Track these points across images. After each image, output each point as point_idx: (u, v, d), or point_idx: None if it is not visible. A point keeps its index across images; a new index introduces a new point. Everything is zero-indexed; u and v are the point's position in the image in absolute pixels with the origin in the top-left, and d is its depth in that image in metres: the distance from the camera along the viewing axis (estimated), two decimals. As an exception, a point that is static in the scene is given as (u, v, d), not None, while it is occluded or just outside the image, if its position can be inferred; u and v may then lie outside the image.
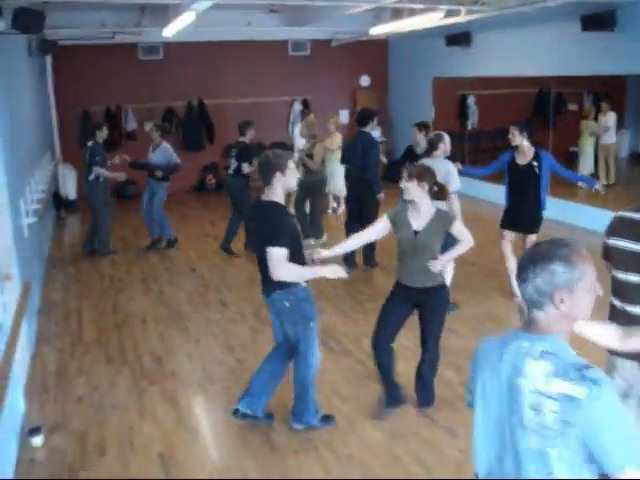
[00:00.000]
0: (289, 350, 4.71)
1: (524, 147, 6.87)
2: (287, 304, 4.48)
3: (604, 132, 12.53)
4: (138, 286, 8.27)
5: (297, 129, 10.87)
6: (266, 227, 4.32)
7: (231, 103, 14.40)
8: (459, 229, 4.79)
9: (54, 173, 11.46)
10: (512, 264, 6.96)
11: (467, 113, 14.86)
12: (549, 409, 2.04)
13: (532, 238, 6.90)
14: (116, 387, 5.57)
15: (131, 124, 14.01)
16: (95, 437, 4.77)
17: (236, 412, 4.79)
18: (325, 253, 4.59)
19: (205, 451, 4.65)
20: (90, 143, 9.37)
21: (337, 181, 10.43)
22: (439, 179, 6.43)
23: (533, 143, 6.93)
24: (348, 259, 8.12)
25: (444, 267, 4.84)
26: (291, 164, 4.41)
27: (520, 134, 6.83)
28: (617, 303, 3.37)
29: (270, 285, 4.45)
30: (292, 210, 10.37)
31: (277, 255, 4.21)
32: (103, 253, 9.58)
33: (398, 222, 4.76)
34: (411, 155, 8.05)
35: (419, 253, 4.68)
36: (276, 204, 4.39)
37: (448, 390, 5.24)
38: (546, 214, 7.02)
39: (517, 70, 11.58)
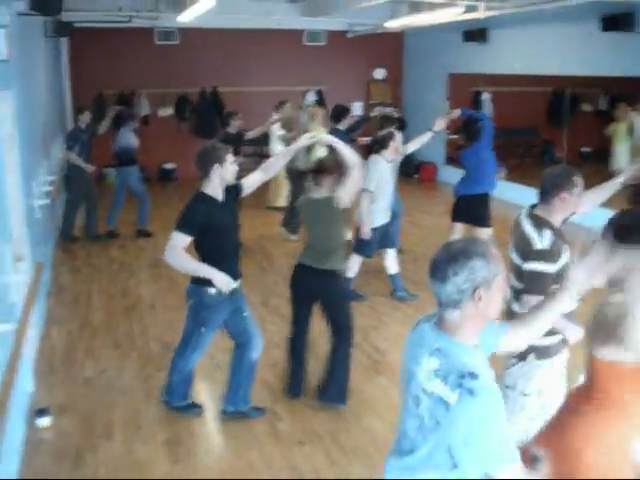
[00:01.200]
0: (240, 339, 4.76)
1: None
2: (190, 301, 4.58)
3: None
4: (147, 271, 8.28)
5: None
6: (182, 211, 4.35)
7: (245, 91, 14.37)
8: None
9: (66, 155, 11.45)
10: None
11: (481, 109, 14.80)
12: (425, 405, 2.14)
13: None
14: (124, 371, 5.60)
15: (144, 109, 14.00)
16: (102, 420, 4.80)
17: (224, 412, 4.84)
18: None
19: (211, 438, 4.68)
20: (71, 128, 9.26)
21: None
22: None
23: (545, 143, 6.93)
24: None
25: None
26: (230, 157, 4.39)
27: None
28: None
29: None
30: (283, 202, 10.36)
31: (174, 239, 4.23)
32: (90, 237, 9.56)
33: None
34: None
35: None
36: (199, 192, 4.39)
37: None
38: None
39: (533, 68, 11.51)
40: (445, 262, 2.12)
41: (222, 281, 4.33)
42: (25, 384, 4.99)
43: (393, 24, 11.55)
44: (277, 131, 10.59)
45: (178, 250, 4.23)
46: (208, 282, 4.36)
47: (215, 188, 4.39)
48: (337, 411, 4.91)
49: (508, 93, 14.11)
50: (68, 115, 13.25)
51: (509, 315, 3.53)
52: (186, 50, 13.89)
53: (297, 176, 8.87)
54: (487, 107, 14.77)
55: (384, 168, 6.83)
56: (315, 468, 4.24)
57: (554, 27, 10.72)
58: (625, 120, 12.34)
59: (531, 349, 3.33)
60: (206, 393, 5.32)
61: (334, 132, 8.31)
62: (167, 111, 14.17)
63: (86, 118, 9.39)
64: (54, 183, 7.63)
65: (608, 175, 14.11)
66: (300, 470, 4.21)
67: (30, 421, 4.74)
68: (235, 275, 4.49)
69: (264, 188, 10.13)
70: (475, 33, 12.48)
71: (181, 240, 4.24)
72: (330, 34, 14.83)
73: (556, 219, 3.49)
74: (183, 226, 4.24)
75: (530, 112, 14.11)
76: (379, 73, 15.58)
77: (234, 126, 9.10)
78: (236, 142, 8.92)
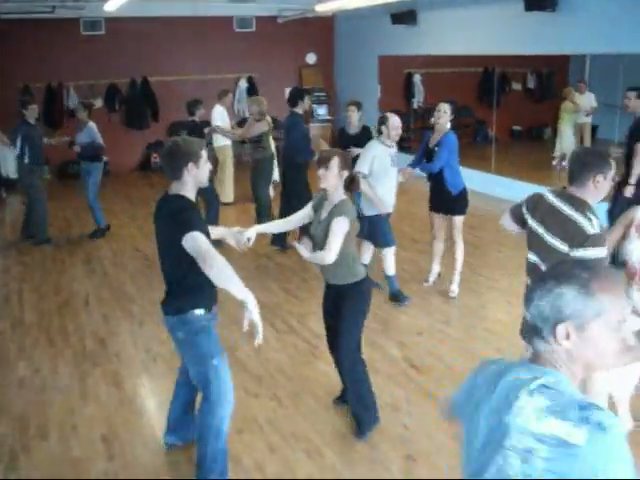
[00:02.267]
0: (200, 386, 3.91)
1: (441, 128, 6.60)
2: (180, 335, 3.75)
3: (591, 112, 12.36)
4: (81, 267, 8.14)
5: (218, 108, 10.50)
6: (177, 218, 3.54)
7: (176, 80, 14.17)
8: (333, 229, 4.06)
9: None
10: (438, 246, 7.03)
11: (413, 91, 14.94)
12: (538, 455, 1.58)
13: (455, 222, 6.77)
14: (58, 370, 5.49)
15: (73, 101, 13.69)
16: (37, 420, 4.70)
17: (166, 444, 4.35)
18: (251, 231, 4.16)
19: (150, 432, 4.62)
20: (20, 123, 8.96)
21: None
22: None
23: (477, 122, 6.81)
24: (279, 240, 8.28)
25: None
26: (204, 153, 3.67)
27: (451, 114, 6.55)
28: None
29: (165, 305, 3.78)
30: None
31: (203, 241, 3.41)
32: (38, 242, 9.07)
33: (317, 210, 4.35)
34: (343, 137, 7.94)
35: (317, 246, 4.20)
36: (183, 198, 3.64)
37: (393, 367, 5.32)
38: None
39: (462, 49, 11.65)
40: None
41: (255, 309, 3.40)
42: (-46, 388, 4.87)
43: (323, 7, 11.55)
44: (222, 120, 10.37)
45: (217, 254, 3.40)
46: (192, 304, 3.69)
47: (190, 190, 3.68)
48: (275, 398, 4.92)
49: (439, 74, 14.25)
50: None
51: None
52: (114, 40, 13.61)
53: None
54: (418, 89, 14.92)
55: (380, 152, 6.41)
56: (255, 456, 4.23)
57: (481, 8, 10.87)
58: (569, 99, 12.48)
59: None
60: (144, 388, 5.26)
61: (293, 116, 8.25)
62: (97, 103, 13.89)
63: (33, 112, 8.95)
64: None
65: (539, 153, 14.45)
66: (240, 459, 4.20)
67: (-39, 426, 4.62)
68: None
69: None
70: (404, 15, 12.54)
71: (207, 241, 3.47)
72: (260, 20, 14.72)
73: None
74: (197, 225, 3.46)
75: (462, 92, 14.31)
76: (311, 58, 15.55)
77: (199, 115, 8.94)
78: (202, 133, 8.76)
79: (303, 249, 4.12)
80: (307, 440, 4.40)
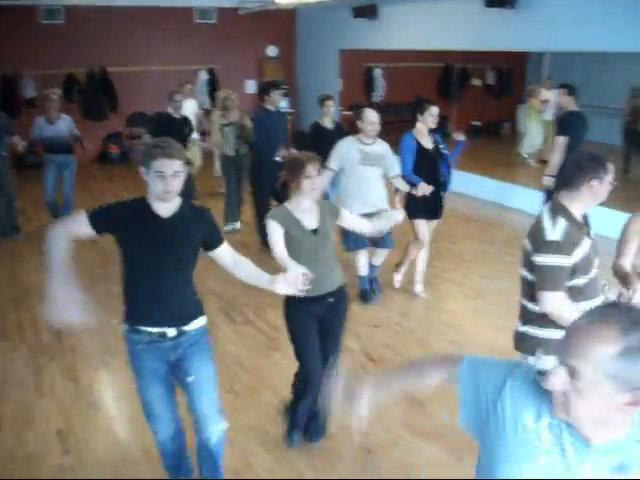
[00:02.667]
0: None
1: (423, 128, 6.40)
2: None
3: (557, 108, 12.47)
4: (38, 259, 8.02)
5: (189, 101, 10.42)
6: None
7: (136, 71, 14.04)
8: (350, 218, 4.22)
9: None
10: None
11: (374, 85, 15.01)
12: None
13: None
14: (13, 364, 5.43)
15: (30, 91, 13.49)
16: (-10, 415, 4.66)
17: None
18: None
19: (106, 425, 4.60)
20: None
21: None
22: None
23: (439, 117, 6.64)
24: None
25: None
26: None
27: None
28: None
29: None
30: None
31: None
32: (4, 233, 8.90)
33: (288, 224, 3.97)
34: (320, 132, 7.91)
35: (320, 252, 3.99)
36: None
37: (350, 359, 5.37)
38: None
39: (422, 44, 11.73)
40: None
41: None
42: None
43: (284, 0, 11.53)
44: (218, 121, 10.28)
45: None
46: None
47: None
48: (232, 390, 4.94)
49: (400, 69, 14.34)
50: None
51: (525, 315, 3.40)
52: (72, 29, 13.40)
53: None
54: (379, 83, 15.00)
55: (349, 149, 6.17)
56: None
57: (442, 3, 10.97)
58: (536, 97, 12.63)
59: None
60: (101, 383, 5.23)
61: (263, 113, 8.00)
62: (55, 93, 13.67)
63: None
64: None
65: (498, 148, 14.57)
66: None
67: None
68: None
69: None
70: (365, 9, 12.59)
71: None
72: (221, 11, 14.65)
73: (579, 208, 3.24)
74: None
75: (422, 87, 14.41)
76: (272, 50, 15.51)
77: (175, 107, 8.74)
78: (181, 129, 8.51)
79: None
80: (264, 432, 4.43)
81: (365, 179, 6.19)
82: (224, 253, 3.52)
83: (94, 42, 13.59)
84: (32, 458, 4.16)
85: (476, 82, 15.46)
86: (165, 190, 3.10)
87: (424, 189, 6.10)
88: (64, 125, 8.96)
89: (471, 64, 14.72)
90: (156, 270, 3.23)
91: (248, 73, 15.13)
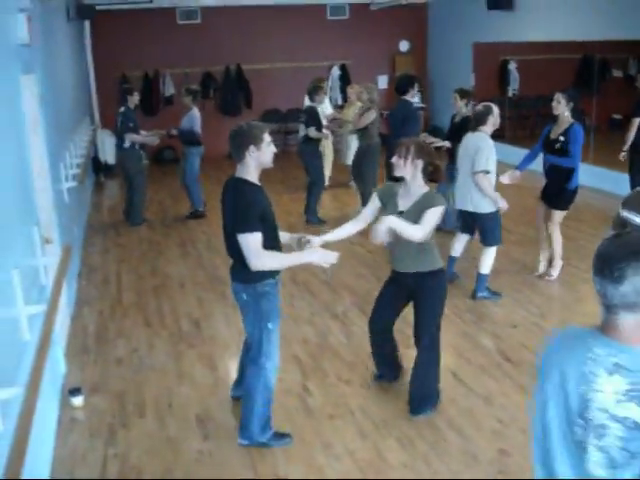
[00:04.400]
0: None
1: (563, 118, 6.43)
2: (245, 297, 4.04)
3: None
4: (176, 250, 8.33)
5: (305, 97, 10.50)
6: (237, 210, 3.84)
7: (269, 68, 14.33)
8: (428, 217, 4.19)
9: (93, 138, 11.50)
10: (542, 235, 6.90)
11: (508, 79, 14.60)
12: (614, 434, 1.74)
13: (555, 215, 6.62)
14: (155, 350, 5.64)
15: (169, 89, 14.04)
16: (134, 398, 4.84)
17: (232, 397, 4.72)
18: (316, 241, 4.20)
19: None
20: (122, 109, 9.24)
21: (351, 154, 9.88)
22: (467, 156, 6.28)
23: (575, 112, 6.54)
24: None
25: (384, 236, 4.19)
26: (267, 137, 3.89)
27: (566, 103, 6.37)
28: None
29: (233, 274, 4.11)
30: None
31: (252, 242, 3.77)
32: (135, 224, 9.41)
33: (386, 201, 4.40)
34: (452, 125, 7.89)
35: (395, 237, 4.22)
36: (246, 182, 3.92)
37: (485, 358, 5.24)
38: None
39: (561, 34, 11.30)
40: (622, 257, 1.74)
41: (325, 255, 3.98)
42: (58, 364, 5.06)
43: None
44: (327, 108, 10.40)
45: (264, 251, 3.81)
46: (260, 276, 3.94)
47: (253, 173, 3.93)
48: (367, 385, 4.92)
49: (535, 61, 13.88)
50: (93, 98, 13.31)
51: None
52: (208, 29, 13.87)
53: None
54: (513, 77, 14.58)
55: (492, 144, 6.22)
56: (345, 442, 4.24)
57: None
58: None
59: None
60: (235, 362, 5.34)
61: (401, 103, 8.30)
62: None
63: (135, 99, 9.38)
64: (81, 165, 7.67)
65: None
66: (330, 444, 4.22)
67: (64, 401, 4.80)
68: None
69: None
70: (500, 0, 12.26)
71: (258, 240, 3.78)
72: (353, 7, 14.70)
73: None
74: (252, 226, 3.76)
75: (558, 80, 13.89)
76: (404, 45, 15.41)
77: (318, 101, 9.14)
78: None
79: (381, 231, 4.13)
80: (398, 429, 4.38)
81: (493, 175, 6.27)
82: None
83: (230, 40, 13.99)
84: (173, 442, 4.29)
85: (617, 73, 14.75)
86: None
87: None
88: (187, 119, 9.46)
89: (611, 54, 14.05)
90: None
91: (380, 68, 15.09)
